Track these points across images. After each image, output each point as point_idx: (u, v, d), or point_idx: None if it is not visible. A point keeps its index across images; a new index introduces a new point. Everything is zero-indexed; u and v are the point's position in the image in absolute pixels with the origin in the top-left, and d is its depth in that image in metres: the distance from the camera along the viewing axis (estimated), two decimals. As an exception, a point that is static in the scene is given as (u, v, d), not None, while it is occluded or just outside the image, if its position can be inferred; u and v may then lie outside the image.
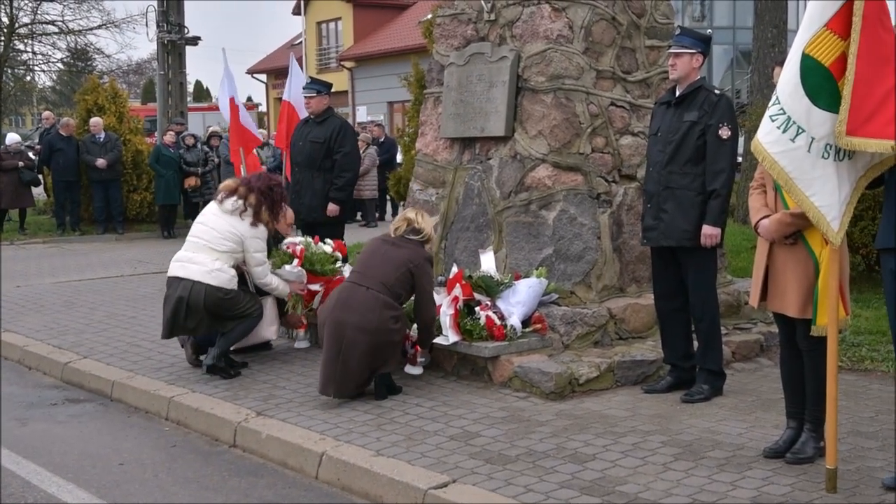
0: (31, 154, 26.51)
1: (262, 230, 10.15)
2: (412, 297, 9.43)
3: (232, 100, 15.72)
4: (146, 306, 14.36)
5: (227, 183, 10.37)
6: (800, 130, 6.43)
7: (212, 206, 10.28)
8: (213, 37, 79.12)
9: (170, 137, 25.04)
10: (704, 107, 8.86)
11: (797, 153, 6.46)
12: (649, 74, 11.08)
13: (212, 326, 10.04)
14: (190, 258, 10.00)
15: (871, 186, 6.79)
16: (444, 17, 11.68)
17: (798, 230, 6.92)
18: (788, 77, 6.49)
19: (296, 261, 10.79)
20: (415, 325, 9.70)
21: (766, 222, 7.14)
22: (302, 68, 16.76)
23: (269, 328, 10.66)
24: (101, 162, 24.08)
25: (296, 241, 11.13)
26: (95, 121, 24.73)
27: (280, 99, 16.73)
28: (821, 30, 6.36)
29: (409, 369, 9.79)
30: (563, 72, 10.35)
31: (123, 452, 8.50)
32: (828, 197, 6.45)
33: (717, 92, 8.99)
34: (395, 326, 9.08)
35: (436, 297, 9.98)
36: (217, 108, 25.77)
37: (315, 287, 10.78)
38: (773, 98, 6.62)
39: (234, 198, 10.10)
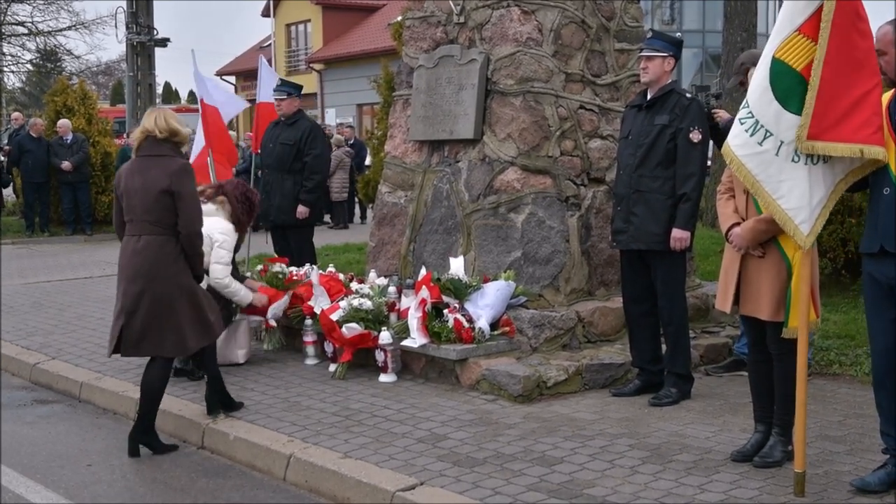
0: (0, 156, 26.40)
1: (231, 230, 9.92)
2: None
3: (202, 101, 15.54)
4: (114, 308, 14.26)
5: (199, 188, 10.28)
6: (768, 134, 6.46)
7: None
8: (183, 39, 78.63)
9: (135, 139, 24.89)
10: (675, 110, 8.87)
11: (764, 156, 6.49)
12: (619, 77, 11.10)
13: None
14: None
15: (853, 189, 6.82)
16: (414, 19, 11.68)
17: (772, 236, 6.93)
18: (758, 81, 6.52)
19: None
20: (385, 332, 9.71)
21: (738, 230, 7.14)
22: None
23: (237, 351, 10.60)
24: (66, 165, 23.95)
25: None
26: (62, 122, 24.57)
27: (252, 101, 16.46)
28: (792, 34, 6.38)
29: (383, 377, 9.81)
30: (533, 75, 10.36)
31: (92, 454, 8.49)
32: (796, 200, 6.46)
33: (688, 95, 9.02)
34: (178, 266, 8.28)
35: (405, 299, 9.99)
36: (184, 110, 25.45)
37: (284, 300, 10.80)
38: (744, 101, 6.65)
39: (204, 199, 9.97)
